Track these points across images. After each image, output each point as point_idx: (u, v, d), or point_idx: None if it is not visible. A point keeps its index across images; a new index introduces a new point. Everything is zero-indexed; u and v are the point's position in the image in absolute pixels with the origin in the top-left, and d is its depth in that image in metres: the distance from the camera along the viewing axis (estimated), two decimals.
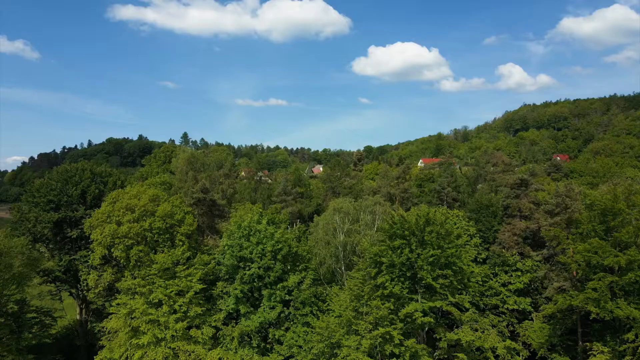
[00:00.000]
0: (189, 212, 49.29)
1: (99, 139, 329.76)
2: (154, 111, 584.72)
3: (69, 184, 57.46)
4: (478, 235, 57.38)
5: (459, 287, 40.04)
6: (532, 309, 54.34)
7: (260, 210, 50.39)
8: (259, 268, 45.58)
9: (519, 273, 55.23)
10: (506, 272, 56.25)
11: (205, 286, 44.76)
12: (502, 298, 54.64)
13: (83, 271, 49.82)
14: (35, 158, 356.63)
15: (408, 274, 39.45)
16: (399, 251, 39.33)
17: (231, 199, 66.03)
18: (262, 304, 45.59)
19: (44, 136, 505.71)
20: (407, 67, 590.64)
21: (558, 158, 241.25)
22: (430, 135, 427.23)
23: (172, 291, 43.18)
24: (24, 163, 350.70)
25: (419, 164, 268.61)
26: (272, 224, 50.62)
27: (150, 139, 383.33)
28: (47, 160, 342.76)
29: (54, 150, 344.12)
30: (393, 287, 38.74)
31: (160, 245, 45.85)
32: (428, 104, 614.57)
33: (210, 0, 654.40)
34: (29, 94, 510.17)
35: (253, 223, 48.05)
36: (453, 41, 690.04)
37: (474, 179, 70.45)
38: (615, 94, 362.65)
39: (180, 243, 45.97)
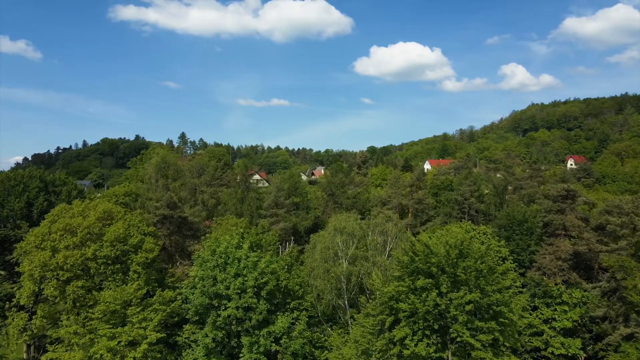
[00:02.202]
0: (150, 234, 38.63)
1: (97, 139, 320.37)
2: (156, 111, 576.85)
3: (11, 195, 46.97)
4: (511, 258, 46.56)
5: (507, 344, 29.20)
6: (583, 354, 43.61)
7: (242, 230, 39.67)
8: (237, 308, 34.93)
9: (566, 307, 44.43)
10: (548, 305, 45.50)
11: (164, 335, 34.02)
12: (546, 339, 43.87)
13: (9, 313, 38.95)
14: (30, 159, 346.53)
15: (435, 326, 28.74)
16: (423, 295, 28.61)
17: (213, 211, 55.59)
18: (241, 356, 34.95)
19: (44, 136, 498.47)
20: (410, 67, 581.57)
21: (572, 160, 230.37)
22: (435, 136, 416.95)
23: (121, 342, 32.51)
24: (17, 164, 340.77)
25: (425, 166, 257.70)
26: (257, 248, 40.00)
27: (150, 139, 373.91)
28: (41, 161, 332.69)
29: (48, 150, 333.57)
30: (415, 346, 28.03)
31: (109, 280, 35.20)
32: (430, 104, 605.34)
33: (212, 0, 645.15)
34: (30, 94, 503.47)
35: (231, 248, 37.41)
36: (455, 41, 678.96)
37: (502, 188, 59.77)
38: (626, 92, 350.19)
39: (135, 276, 35.31)
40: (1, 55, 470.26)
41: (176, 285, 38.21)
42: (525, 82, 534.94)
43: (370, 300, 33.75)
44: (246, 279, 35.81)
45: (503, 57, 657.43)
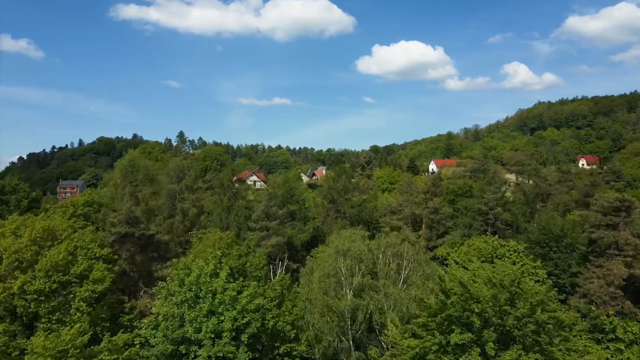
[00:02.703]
0: (102, 258, 30.43)
1: (96, 138, 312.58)
2: (158, 110, 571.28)
3: None
4: (550, 281, 38.27)
5: None
6: None
7: (219, 252, 31.38)
8: (209, 358, 26.86)
9: (621, 345, 36.20)
10: (599, 342, 37.27)
11: None
12: None
13: None
14: (25, 158, 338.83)
15: None
16: (462, 358, 20.41)
17: (195, 222, 47.43)
18: None
19: (46, 135, 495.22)
20: (412, 66, 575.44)
21: (584, 160, 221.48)
22: (439, 135, 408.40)
23: None
24: (12, 164, 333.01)
25: (430, 166, 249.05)
26: (239, 275, 31.83)
27: (150, 138, 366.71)
28: (37, 161, 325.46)
29: (44, 150, 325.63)
30: None
31: (43, 321, 27.02)
32: (432, 103, 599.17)
33: None
34: (31, 92, 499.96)
35: (205, 277, 29.26)
36: (457, 40, 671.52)
37: (533, 196, 51.23)
38: (635, 90, 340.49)
39: (77, 315, 27.13)
40: (3, 53, 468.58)
41: (135, 324, 29.96)
42: (527, 81, 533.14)
43: (382, 345, 25.56)
44: (222, 318, 27.71)
45: (505, 56, 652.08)
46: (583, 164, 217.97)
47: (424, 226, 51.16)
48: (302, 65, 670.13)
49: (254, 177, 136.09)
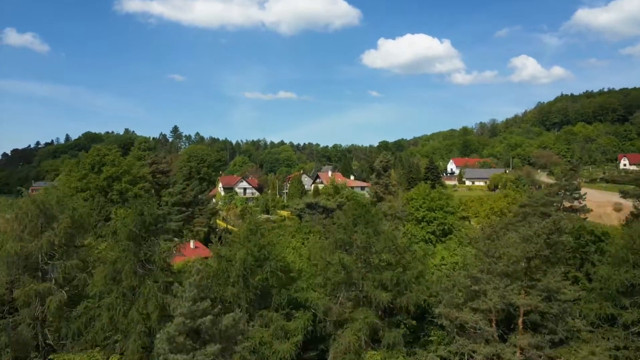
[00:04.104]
0: None
1: (102, 132, 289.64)
2: (161, 104, 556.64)
3: None
4: None
5: None
6: None
7: None
8: None
9: None
10: None
11: None
12: None
13: None
14: (9, 154, 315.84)
15: None
16: None
17: (58, 326, 22.25)
18: None
19: (50, 129, 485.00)
20: (418, 59, 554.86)
21: (626, 159, 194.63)
22: (451, 130, 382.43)
23: None
24: None
25: (448, 165, 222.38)
26: None
27: (143, 133, 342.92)
28: (20, 157, 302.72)
29: (29, 145, 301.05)
30: None
31: None
32: (439, 97, 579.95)
33: None
34: (34, 86, 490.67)
35: None
36: (464, 33, 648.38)
37: None
38: None
39: None
40: (9, 47, 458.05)
41: None
42: (536, 75, 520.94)
43: None
44: None
45: (513, 49, 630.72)
46: (625, 164, 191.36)
47: (520, 327, 25.77)
48: (307, 59, 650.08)
49: (244, 184, 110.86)
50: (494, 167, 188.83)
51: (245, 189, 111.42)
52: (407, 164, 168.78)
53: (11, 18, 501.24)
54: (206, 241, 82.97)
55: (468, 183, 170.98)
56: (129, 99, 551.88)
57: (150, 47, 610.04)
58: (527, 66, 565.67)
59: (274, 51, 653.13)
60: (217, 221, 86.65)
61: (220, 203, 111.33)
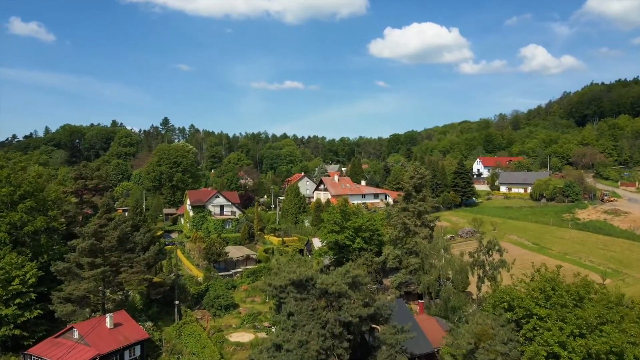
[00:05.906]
0: None
1: (108, 123, 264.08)
2: (167, 95, 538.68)
3: None
4: None
5: None
6: None
7: None
8: None
9: None
10: None
11: None
12: None
13: None
14: None
15: None
16: None
17: None
18: None
19: (53, 118, 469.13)
20: (426, 49, 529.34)
21: None
22: (466, 121, 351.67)
23: None
24: None
25: (474, 165, 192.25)
26: None
27: (133, 125, 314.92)
28: None
29: (7, 138, 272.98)
30: None
31: None
32: (448, 88, 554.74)
33: None
34: (39, 75, 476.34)
35: None
36: (473, 22, 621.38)
37: None
38: None
39: None
40: (15, 36, 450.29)
41: None
42: (546, 64, 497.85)
43: None
44: None
45: (523, 38, 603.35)
46: None
47: None
48: (313, 49, 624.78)
49: (220, 200, 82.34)
50: (532, 170, 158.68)
51: (222, 206, 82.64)
52: (429, 165, 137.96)
53: (16, 6, 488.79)
54: (148, 303, 54.47)
55: (503, 189, 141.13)
56: (133, 89, 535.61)
57: (154, 36, 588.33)
58: (537, 55, 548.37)
59: (279, 41, 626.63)
60: (173, 262, 58.47)
61: (188, 225, 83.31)
